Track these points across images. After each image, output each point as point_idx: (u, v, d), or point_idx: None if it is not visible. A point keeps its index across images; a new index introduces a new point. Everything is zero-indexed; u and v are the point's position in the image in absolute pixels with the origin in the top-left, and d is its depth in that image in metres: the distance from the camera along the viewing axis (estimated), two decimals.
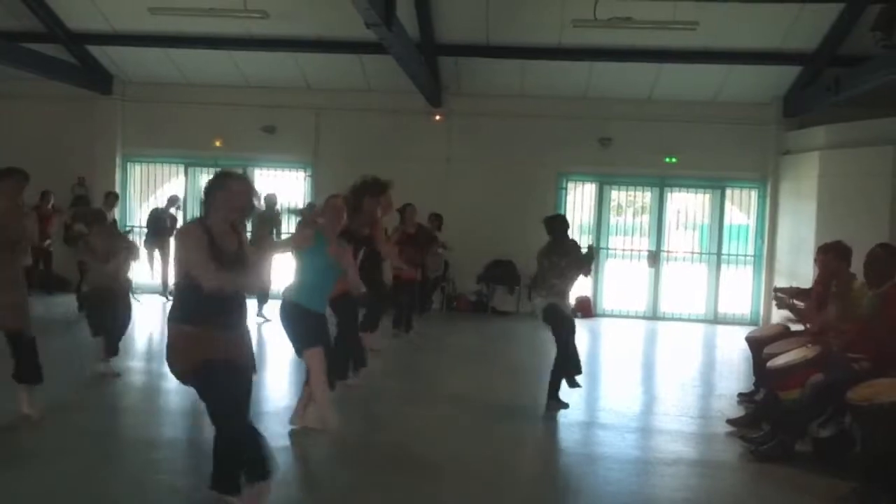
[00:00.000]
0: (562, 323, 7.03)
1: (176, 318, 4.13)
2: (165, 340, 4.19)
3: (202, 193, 4.17)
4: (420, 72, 11.77)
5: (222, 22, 11.53)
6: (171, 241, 12.37)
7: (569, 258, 7.02)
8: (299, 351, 5.70)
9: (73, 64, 13.40)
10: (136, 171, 14.87)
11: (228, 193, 4.07)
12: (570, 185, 14.27)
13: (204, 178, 14.64)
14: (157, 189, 14.79)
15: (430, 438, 6.22)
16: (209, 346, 4.04)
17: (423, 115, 13.62)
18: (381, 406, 7.24)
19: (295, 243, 5.54)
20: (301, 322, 5.63)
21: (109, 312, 7.56)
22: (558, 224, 7.19)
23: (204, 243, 4.01)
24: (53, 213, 12.46)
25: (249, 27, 11.94)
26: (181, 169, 14.71)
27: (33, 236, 6.80)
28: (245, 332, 4.29)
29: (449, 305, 13.87)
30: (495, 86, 13.50)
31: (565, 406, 6.95)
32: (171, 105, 14.02)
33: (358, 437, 6.06)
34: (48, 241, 12.19)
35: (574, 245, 7.24)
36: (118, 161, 14.39)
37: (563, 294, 7.11)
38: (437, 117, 13.73)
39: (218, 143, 14.14)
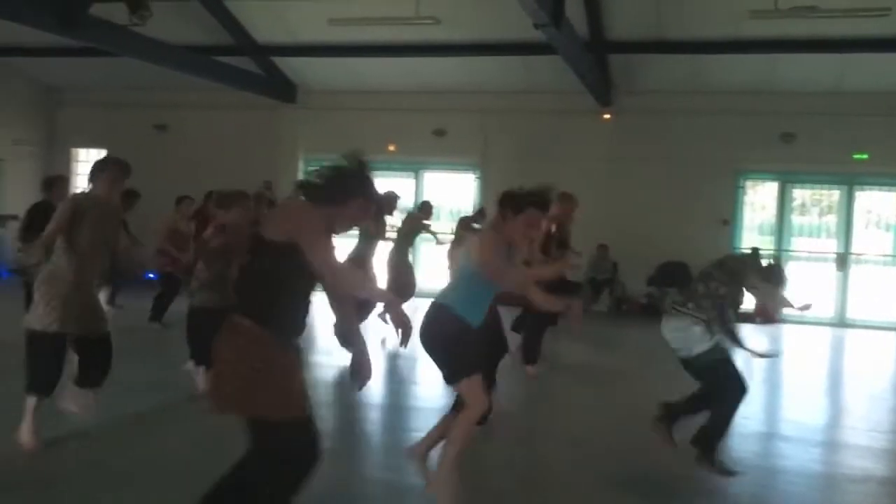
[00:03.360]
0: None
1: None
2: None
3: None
4: (589, 71, 11.64)
5: (396, 30, 11.91)
6: None
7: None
8: (453, 377, 4.42)
9: (259, 75, 14.26)
10: None
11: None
12: (749, 184, 13.67)
13: (378, 182, 15.19)
14: None
15: (594, 448, 6.14)
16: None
17: (592, 114, 13.47)
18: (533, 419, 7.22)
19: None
20: (459, 340, 4.41)
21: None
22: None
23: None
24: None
25: (421, 33, 12.24)
26: None
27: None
28: None
29: (618, 308, 13.63)
30: (668, 82, 13.14)
31: (732, 474, 5.22)
32: (348, 111, 14.59)
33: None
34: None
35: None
36: (300, 166, 15.19)
37: None
38: (606, 116, 13.53)
39: (391, 148, 14.60)
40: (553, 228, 7.95)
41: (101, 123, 15.76)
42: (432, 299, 4.55)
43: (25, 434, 4.96)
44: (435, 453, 4.63)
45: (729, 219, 13.12)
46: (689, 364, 5.28)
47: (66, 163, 16.40)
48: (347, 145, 14.43)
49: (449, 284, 4.70)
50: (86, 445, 5.31)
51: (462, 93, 14.12)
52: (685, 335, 5.19)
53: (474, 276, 4.44)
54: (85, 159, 16.56)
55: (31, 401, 4.99)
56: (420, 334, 4.41)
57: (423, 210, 10.96)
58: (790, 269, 13.34)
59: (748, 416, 6.97)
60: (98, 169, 5.21)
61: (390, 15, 11.23)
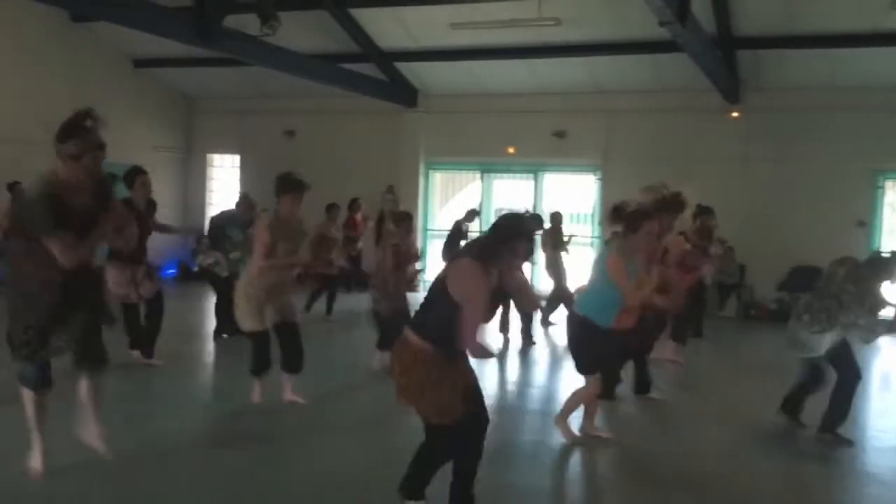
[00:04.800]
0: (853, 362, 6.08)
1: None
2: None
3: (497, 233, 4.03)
4: (716, 68, 11.30)
5: (516, 32, 11.91)
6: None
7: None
8: (581, 370, 5.61)
9: (383, 80, 14.57)
10: (437, 179, 15.85)
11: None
12: (889, 184, 12.92)
13: (498, 184, 15.25)
14: (454, 195, 15.62)
15: (714, 456, 5.97)
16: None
17: (719, 112, 13.05)
18: (663, 419, 7.07)
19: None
20: (591, 344, 5.47)
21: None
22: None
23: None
24: (361, 220, 13.34)
25: (542, 35, 12.20)
26: (477, 175, 15.43)
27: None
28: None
29: (746, 313, 13.16)
30: (800, 78, 12.58)
31: (849, 444, 5.96)
32: (468, 115, 14.72)
33: (636, 449, 5.97)
34: (359, 246, 13.16)
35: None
36: (421, 169, 15.42)
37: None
38: (734, 114, 13.08)
39: (511, 150, 14.61)
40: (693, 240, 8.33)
41: (235, 130, 16.52)
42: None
43: (257, 396, 6.42)
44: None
45: (866, 220, 12.45)
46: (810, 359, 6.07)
47: (202, 168, 17.29)
48: (467, 147, 14.77)
49: (583, 292, 5.76)
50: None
51: (583, 93, 13.98)
52: (810, 340, 5.95)
53: (606, 287, 5.37)
54: (220, 164, 17.41)
55: (255, 380, 6.43)
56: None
57: (555, 220, 11.52)
58: None
59: (884, 430, 6.63)
60: (283, 189, 6.02)
61: (511, 17, 11.25)
